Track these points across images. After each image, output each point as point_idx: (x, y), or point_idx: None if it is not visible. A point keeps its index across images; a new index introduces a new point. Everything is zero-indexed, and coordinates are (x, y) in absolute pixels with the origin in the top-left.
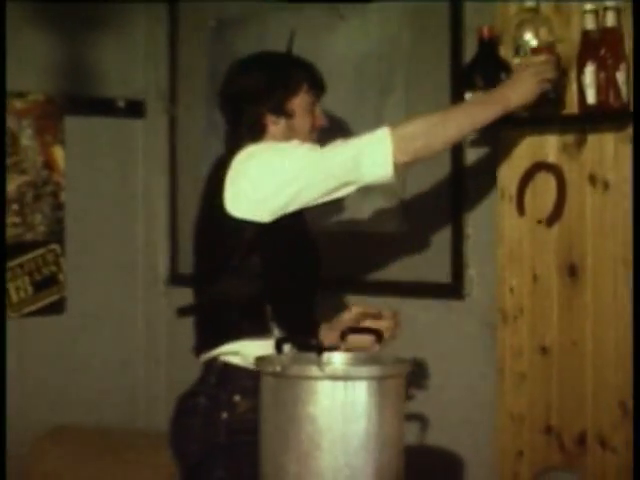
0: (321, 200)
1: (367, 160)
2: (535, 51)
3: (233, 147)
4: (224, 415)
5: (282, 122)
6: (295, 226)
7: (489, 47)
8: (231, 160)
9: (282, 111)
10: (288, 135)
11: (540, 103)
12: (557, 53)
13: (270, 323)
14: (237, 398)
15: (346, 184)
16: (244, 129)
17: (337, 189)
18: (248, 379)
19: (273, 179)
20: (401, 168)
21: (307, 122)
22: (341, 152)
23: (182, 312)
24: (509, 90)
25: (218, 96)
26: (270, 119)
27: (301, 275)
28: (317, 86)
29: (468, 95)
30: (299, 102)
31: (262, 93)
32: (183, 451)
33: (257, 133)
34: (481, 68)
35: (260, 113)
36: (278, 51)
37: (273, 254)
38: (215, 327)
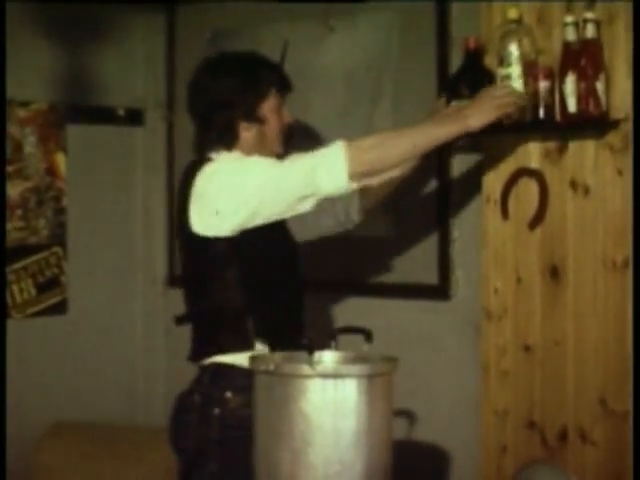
0: (283, 215)
1: (322, 172)
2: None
3: (203, 154)
4: (217, 411)
5: (254, 128)
6: (272, 236)
7: (474, 57)
8: (197, 172)
9: (254, 117)
10: (260, 140)
11: (497, 128)
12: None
13: (252, 338)
14: (229, 394)
15: (305, 197)
16: (214, 135)
17: (297, 203)
18: (239, 377)
19: (232, 197)
20: (358, 179)
21: (277, 124)
22: (298, 167)
23: (179, 321)
24: (468, 112)
25: (187, 100)
26: (242, 125)
27: (282, 286)
28: (285, 87)
29: (454, 103)
30: (269, 106)
31: (234, 100)
32: (181, 446)
33: (229, 140)
34: (467, 77)
35: (232, 120)
36: (244, 52)
37: (250, 266)
38: (203, 339)
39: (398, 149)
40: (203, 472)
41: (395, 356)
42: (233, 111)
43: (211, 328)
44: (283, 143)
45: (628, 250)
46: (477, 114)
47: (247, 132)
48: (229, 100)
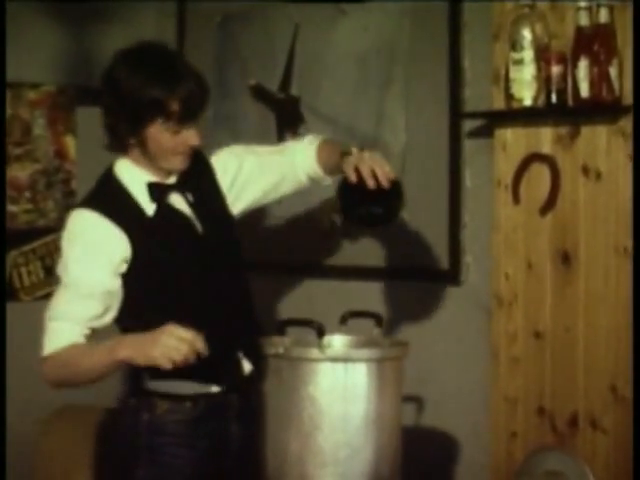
0: None
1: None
2: None
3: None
4: (146, 416)
5: (138, 147)
6: (180, 276)
7: None
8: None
9: (136, 137)
10: (146, 156)
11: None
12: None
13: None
14: (156, 399)
15: None
16: (106, 139)
17: None
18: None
19: None
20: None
21: (166, 147)
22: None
23: None
24: (125, 344)
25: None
26: (128, 138)
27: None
28: (180, 118)
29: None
30: (153, 132)
31: (120, 113)
32: (113, 448)
33: (119, 148)
34: None
35: (118, 129)
36: (167, 58)
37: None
38: None
39: (85, 374)
40: (132, 476)
41: (405, 341)
42: (119, 121)
43: None
44: (186, 160)
45: None
46: (132, 348)
47: (133, 146)
48: (117, 108)
